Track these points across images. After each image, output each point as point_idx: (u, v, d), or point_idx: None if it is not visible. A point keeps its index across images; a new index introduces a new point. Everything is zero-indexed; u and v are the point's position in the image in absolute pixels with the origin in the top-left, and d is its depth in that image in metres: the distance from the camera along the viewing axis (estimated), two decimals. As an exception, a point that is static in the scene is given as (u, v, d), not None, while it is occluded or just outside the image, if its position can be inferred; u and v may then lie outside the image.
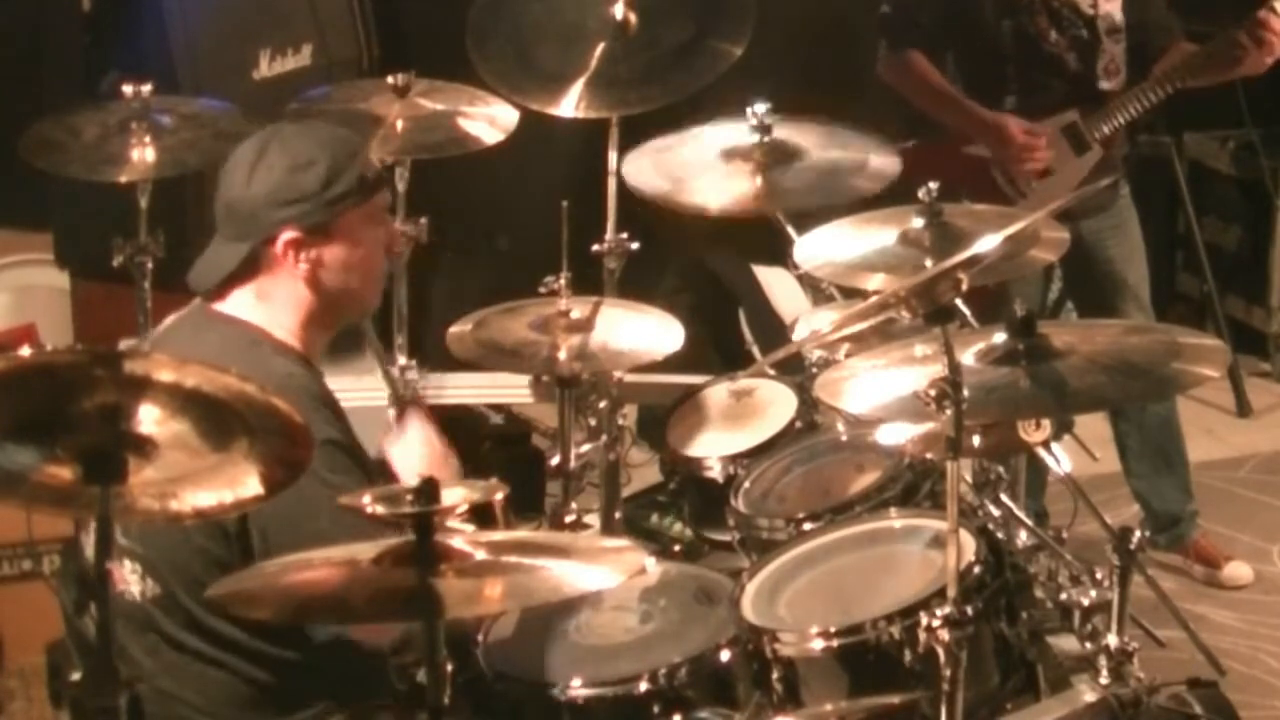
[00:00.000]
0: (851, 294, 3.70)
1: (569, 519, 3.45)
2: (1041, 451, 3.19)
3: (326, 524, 2.65)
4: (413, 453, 3.06)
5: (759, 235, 4.19)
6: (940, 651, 2.56)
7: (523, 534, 2.76)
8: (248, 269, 2.91)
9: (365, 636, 2.85)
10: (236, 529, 2.76)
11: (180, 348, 2.78)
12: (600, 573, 2.30)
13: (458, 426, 4.72)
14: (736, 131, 3.75)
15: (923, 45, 4.49)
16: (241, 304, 2.92)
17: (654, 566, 3.09)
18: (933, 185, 3.33)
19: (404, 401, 3.23)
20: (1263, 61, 4.37)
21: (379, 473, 2.99)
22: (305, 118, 3.87)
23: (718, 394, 3.72)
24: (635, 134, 3.90)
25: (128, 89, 3.83)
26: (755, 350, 4.90)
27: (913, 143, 4.48)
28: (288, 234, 2.88)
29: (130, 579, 2.85)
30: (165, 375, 2.08)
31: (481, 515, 2.66)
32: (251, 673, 2.85)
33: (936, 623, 2.56)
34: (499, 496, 2.70)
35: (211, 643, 2.84)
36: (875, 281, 3.26)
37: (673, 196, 3.75)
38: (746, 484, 3.36)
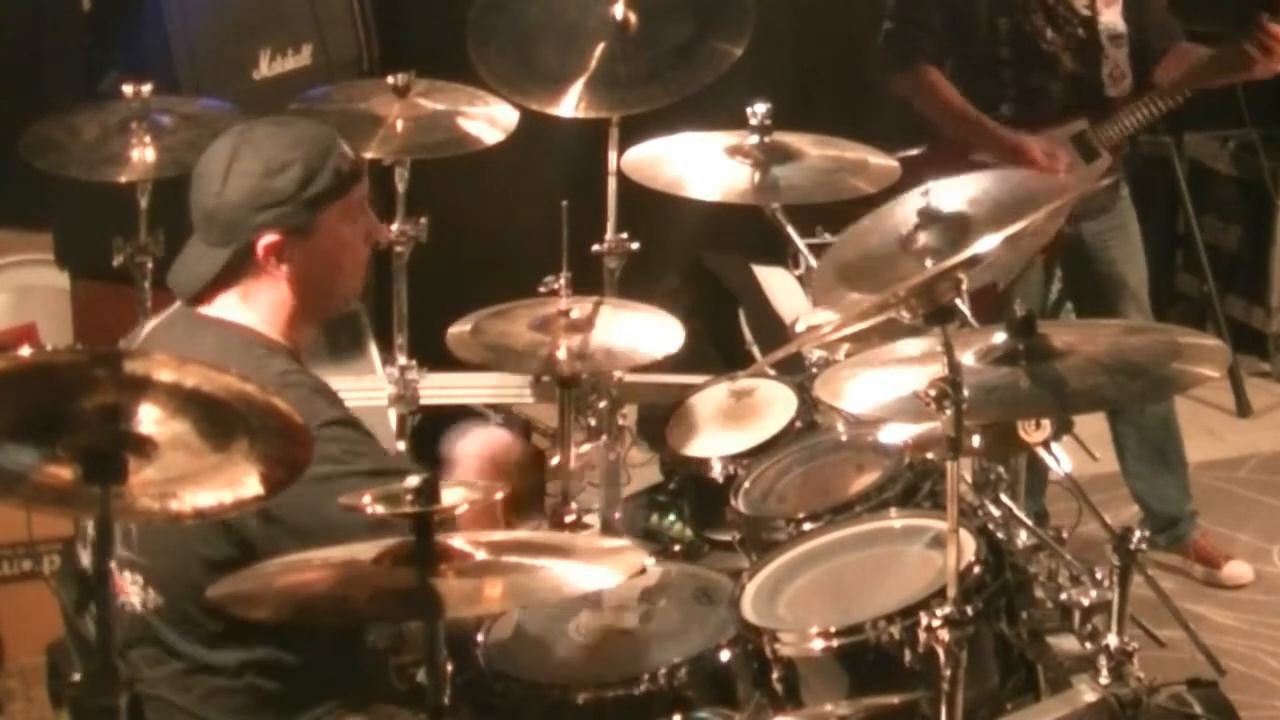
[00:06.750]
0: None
1: (569, 519, 3.45)
2: (1041, 451, 3.19)
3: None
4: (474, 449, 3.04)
5: (759, 235, 4.19)
6: (940, 651, 2.56)
7: (523, 534, 2.76)
8: (230, 273, 2.88)
9: None
10: (259, 527, 2.71)
11: (173, 350, 2.77)
12: (600, 573, 2.30)
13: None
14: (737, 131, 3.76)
15: (934, 57, 4.43)
16: (227, 306, 2.90)
17: (654, 566, 3.09)
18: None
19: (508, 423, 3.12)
20: (1271, 68, 4.32)
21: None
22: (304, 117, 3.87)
23: (718, 394, 3.72)
24: (635, 134, 3.90)
25: (128, 89, 3.83)
26: (755, 350, 4.90)
27: (916, 151, 4.47)
28: (268, 237, 2.85)
29: (131, 590, 2.84)
30: (165, 375, 2.08)
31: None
32: (253, 680, 2.84)
33: (936, 623, 2.55)
34: (499, 496, 2.70)
35: (213, 651, 2.83)
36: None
37: (673, 189, 3.75)
38: (746, 484, 3.36)
